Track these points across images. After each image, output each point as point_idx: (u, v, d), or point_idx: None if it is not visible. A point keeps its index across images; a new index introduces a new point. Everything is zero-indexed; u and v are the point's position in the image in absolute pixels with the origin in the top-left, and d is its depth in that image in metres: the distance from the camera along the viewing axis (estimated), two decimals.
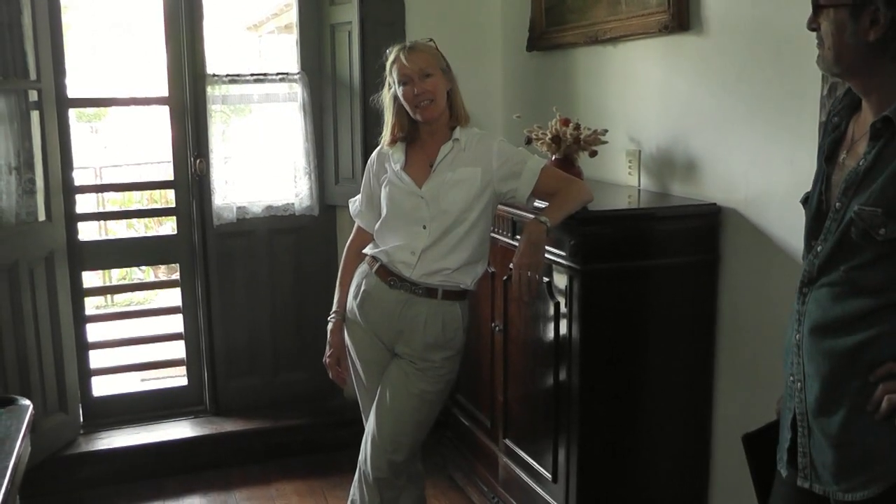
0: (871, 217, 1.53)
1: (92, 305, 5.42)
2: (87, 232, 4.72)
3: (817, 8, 1.64)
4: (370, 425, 2.77)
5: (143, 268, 7.05)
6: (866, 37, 1.56)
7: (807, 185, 1.84)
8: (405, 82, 2.66)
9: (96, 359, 4.25)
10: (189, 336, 4.31)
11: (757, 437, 1.94)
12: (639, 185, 3.31)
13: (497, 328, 3.33)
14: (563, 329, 2.84)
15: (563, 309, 2.84)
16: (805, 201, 1.79)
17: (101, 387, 4.29)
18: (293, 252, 4.38)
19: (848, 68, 1.63)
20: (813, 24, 1.66)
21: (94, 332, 4.26)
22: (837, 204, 1.62)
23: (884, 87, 1.59)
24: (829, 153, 1.73)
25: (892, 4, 1.52)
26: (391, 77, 2.72)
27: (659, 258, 2.83)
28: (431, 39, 2.77)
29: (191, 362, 4.33)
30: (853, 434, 1.60)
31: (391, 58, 2.72)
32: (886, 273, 1.54)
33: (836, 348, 1.61)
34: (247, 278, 4.31)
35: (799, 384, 1.70)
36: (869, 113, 1.64)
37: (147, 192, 8.02)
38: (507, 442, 3.34)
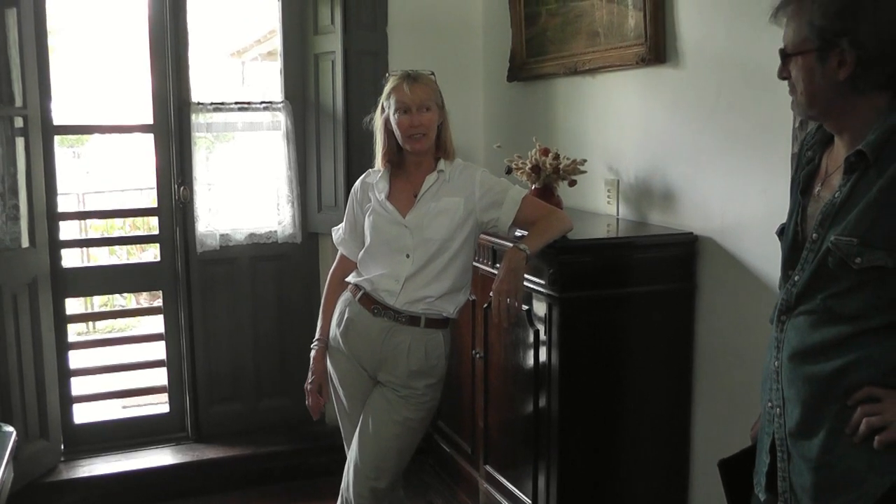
0: (848, 247, 1.57)
1: (74, 332, 5.40)
2: (70, 258, 4.71)
3: (785, 58, 1.70)
4: (352, 452, 2.78)
5: (126, 295, 7.03)
6: (837, 76, 1.61)
7: (780, 215, 1.89)
8: (404, 111, 2.68)
9: (78, 386, 4.23)
10: (171, 363, 4.30)
11: (733, 462, 1.97)
12: (617, 214, 3.35)
13: (478, 355, 3.35)
14: (543, 356, 2.87)
15: (542, 336, 2.87)
16: (781, 233, 1.83)
17: (83, 414, 4.26)
18: (276, 279, 4.39)
19: (822, 110, 1.69)
20: (783, 74, 1.72)
21: (76, 358, 4.25)
22: (814, 235, 1.66)
23: (856, 124, 1.64)
24: (804, 186, 1.78)
25: (857, 44, 1.58)
26: (387, 102, 2.72)
27: (637, 286, 2.87)
28: (433, 73, 2.79)
29: (173, 389, 4.31)
30: (832, 457, 1.62)
31: (392, 84, 2.73)
32: (862, 300, 1.58)
33: (816, 374, 1.64)
34: (229, 305, 4.31)
35: (778, 409, 1.73)
36: (842, 147, 1.69)
37: (129, 219, 8.00)
38: (488, 468, 3.36)
